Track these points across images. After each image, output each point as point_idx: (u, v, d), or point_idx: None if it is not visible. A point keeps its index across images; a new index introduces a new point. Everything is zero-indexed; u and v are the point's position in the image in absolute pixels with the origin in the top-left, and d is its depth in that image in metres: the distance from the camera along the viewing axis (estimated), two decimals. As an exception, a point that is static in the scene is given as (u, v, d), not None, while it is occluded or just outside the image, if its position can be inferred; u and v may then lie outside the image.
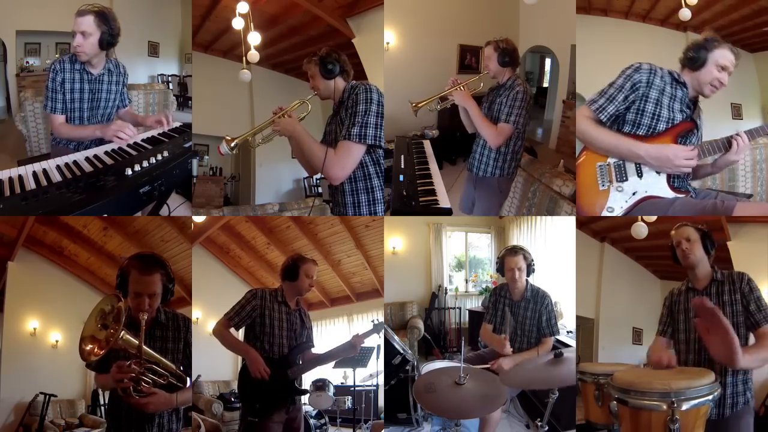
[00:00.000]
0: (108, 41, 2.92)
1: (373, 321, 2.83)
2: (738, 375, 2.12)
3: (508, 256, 3.04)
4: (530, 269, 3.07)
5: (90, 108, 3.07)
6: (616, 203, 2.54)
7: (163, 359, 2.07)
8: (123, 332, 1.90)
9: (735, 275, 2.23)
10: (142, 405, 1.97)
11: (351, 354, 2.73)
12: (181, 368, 2.15)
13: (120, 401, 2.01)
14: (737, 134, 2.47)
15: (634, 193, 2.51)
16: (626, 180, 2.52)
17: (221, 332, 2.59)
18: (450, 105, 3.23)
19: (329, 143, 2.69)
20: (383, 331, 3.10)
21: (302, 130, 2.60)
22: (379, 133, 2.58)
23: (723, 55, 2.43)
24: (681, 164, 2.43)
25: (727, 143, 2.49)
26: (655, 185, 2.50)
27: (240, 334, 2.75)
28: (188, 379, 2.16)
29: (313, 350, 2.78)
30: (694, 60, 2.46)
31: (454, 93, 3.16)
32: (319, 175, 2.88)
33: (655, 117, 2.46)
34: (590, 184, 2.57)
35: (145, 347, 1.97)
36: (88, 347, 1.93)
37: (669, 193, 2.50)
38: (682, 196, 2.50)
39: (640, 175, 2.51)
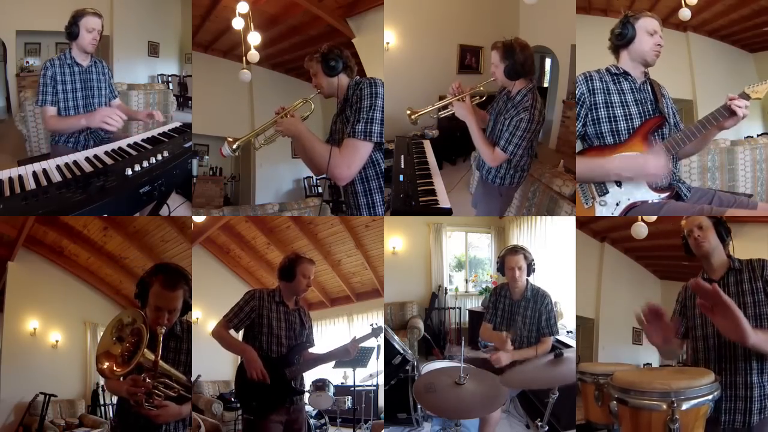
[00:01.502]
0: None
1: (371, 325, 2.83)
2: (764, 375, 1.97)
3: (509, 255, 3.05)
4: (531, 269, 3.07)
5: (84, 97, 3.25)
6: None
7: (177, 372, 2.06)
8: (145, 351, 1.89)
9: (755, 262, 2.09)
10: (152, 416, 1.97)
11: (346, 358, 2.71)
12: (191, 380, 2.14)
13: (128, 408, 2.01)
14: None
15: (617, 204, 2.50)
16: (607, 192, 2.52)
17: (220, 334, 2.58)
18: (452, 113, 2.89)
19: (336, 142, 2.61)
20: (383, 332, 3.09)
21: (305, 130, 2.54)
22: (383, 129, 2.52)
23: (647, 22, 2.47)
24: (656, 172, 2.37)
25: (701, 127, 2.39)
26: (636, 190, 2.48)
27: (240, 335, 2.74)
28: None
29: (312, 350, 2.76)
30: (623, 35, 2.48)
31: (455, 104, 2.84)
32: (323, 175, 2.83)
33: (613, 119, 2.45)
34: (579, 204, 2.61)
35: (161, 362, 1.96)
36: (105, 365, 1.91)
37: (652, 195, 2.48)
38: (666, 195, 2.47)
39: (619, 184, 2.50)
